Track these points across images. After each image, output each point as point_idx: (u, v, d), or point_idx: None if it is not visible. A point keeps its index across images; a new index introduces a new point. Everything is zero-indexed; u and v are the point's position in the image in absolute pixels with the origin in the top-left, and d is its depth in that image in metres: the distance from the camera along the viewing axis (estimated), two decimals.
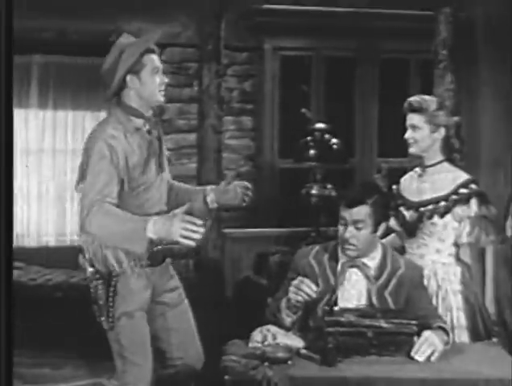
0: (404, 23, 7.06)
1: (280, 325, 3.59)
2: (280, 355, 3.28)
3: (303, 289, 3.52)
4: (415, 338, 3.42)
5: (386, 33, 7.16)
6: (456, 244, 4.09)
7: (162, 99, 3.82)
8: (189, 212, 3.56)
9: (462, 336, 3.99)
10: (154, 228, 3.47)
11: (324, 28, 7.14)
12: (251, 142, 7.33)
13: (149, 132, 3.81)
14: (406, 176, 4.32)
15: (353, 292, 3.70)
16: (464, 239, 4.05)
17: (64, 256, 7.15)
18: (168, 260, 3.94)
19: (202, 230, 3.43)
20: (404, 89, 7.21)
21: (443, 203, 4.06)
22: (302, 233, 6.57)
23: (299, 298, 3.54)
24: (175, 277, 3.99)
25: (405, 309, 3.63)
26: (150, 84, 3.76)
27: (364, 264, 3.71)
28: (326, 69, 7.48)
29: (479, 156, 7.04)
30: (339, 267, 3.73)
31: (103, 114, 7.29)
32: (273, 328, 3.51)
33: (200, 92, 6.61)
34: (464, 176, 4.12)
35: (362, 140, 7.56)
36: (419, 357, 3.37)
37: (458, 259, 4.10)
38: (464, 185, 4.07)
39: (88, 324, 6.16)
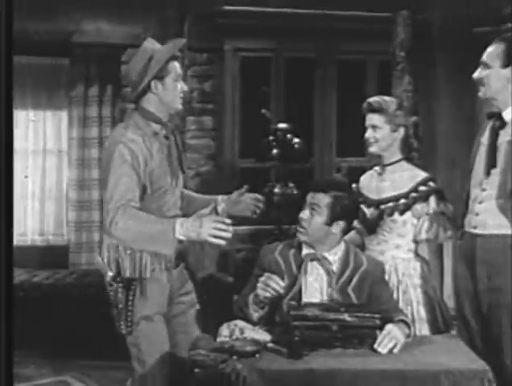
0: (363, 25, 7.12)
1: (247, 320, 3.66)
2: (248, 348, 3.34)
3: (271, 285, 3.60)
4: (378, 331, 3.50)
5: (345, 34, 7.21)
6: (415, 240, 4.19)
7: (181, 106, 3.85)
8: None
9: (422, 329, 4.09)
10: (182, 229, 3.53)
11: (283, 29, 7.19)
12: (212, 142, 7.37)
13: (166, 137, 3.84)
14: (366, 174, 4.39)
15: (316, 285, 3.78)
16: (423, 235, 4.14)
17: (26, 256, 7.13)
18: (182, 263, 4.00)
19: (231, 229, 3.52)
20: (362, 90, 7.31)
21: (403, 201, 4.15)
22: (265, 231, 6.64)
23: (267, 294, 3.62)
24: (188, 281, 4.05)
25: (368, 303, 3.72)
26: (173, 91, 3.79)
27: (324, 257, 3.79)
28: (286, 70, 7.53)
29: (436, 156, 7.17)
30: (303, 257, 3.81)
31: (64, 114, 7.29)
32: (240, 323, 3.57)
33: None
34: (422, 174, 4.21)
35: (321, 140, 7.63)
36: (382, 349, 3.46)
37: (417, 254, 4.20)
38: (423, 183, 4.17)
39: (51, 323, 6.19)
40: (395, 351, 3.46)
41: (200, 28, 6.92)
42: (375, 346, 3.47)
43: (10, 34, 2.98)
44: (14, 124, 7.13)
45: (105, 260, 3.76)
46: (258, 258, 3.90)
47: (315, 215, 3.76)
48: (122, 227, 3.59)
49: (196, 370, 3.28)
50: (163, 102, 3.80)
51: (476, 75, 3.90)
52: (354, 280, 3.78)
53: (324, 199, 3.77)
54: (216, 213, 4.00)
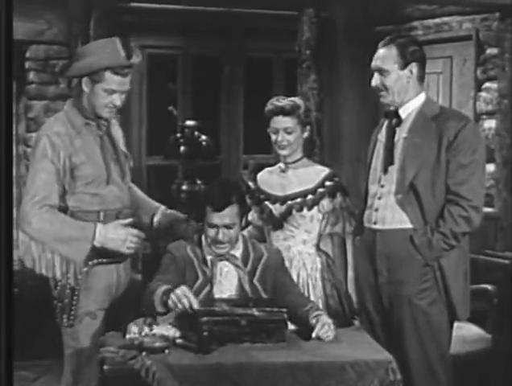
0: (269, 23, 7.17)
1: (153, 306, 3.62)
2: (157, 344, 3.35)
3: (184, 302, 3.49)
4: (286, 324, 3.58)
5: (252, 33, 7.26)
6: (321, 235, 4.25)
7: (106, 115, 3.82)
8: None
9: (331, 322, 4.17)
10: (101, 237, 3.68)
11: (190, 27, 7.20)
12: None
13: (98, 127, 3.84)
14: (263, 172, 4.42)
15: (225, 283, 3.81)
16: (330, 229, 4.21)
17: None
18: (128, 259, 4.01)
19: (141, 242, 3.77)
20: (269, 88, 7.37)
21: (310, 196, 4.21)
22: None
23: (176, 309, 3.54)
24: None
25: (275, 296, 3.80)
26: (99, 99, 3.76)
27: (231, 255, 3.84)
28: (192, 67, 7.54)
29: (340, 151, 7.27)
30: (209, 262, 3.83)
31: None
32: (149, 319, 3.58)
33: (69, 90, 6.57)
34: (326, 170, 4.28)
35: (228, 137, 7.67)
36: (325, 336, 3.58)
37: (319, 249, 4.27)
38: (329, 178, 4.23)
39: None
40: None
41: (106, 25, 6.86)
42: (315, 335, 3.56)
43: (10, 34, 2.95)
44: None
45: (21, 256, 3.76)
46: (166, 253, 3.90)
47: (232, 228, 3.78)
48: (35, 228, 3.65)
49: (106, 367, 3.28)
50: (89, 102, 3.78)
51: (374, 83, 3.96)
52: (258, 270, 3.85)
53: (232, 212, 3.75)
54: (152, 221, 4.10)
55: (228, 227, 3.75)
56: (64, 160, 3.70)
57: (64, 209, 3.75)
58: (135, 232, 3.78)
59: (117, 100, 3.79)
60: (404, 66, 3.90)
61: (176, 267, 3.80)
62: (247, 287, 3.80)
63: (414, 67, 3.91)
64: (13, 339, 3.06)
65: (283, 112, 4.17)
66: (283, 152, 4.22)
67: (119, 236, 3.73)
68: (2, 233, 2.98)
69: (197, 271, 3.80)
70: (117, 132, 4.01)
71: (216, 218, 3.73)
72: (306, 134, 4.24)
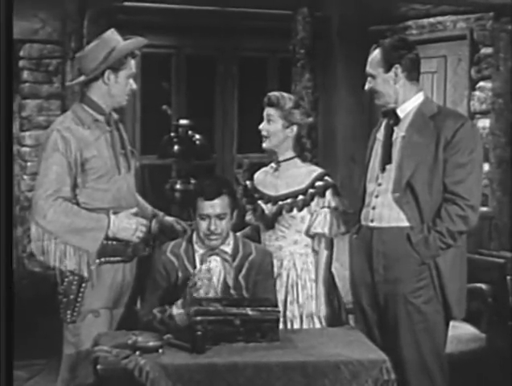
0: (263, 23, 7.18)
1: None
2: (151, 343, 3.36)
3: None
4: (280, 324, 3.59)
5: (246, 32, 7.26)
6: (308, 234, 4.23)
7: (125, 103, 3.92)
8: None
9: (323, 322, 4.17)
10: (114, 228, 3.77)
11: (184, 26, 7.20)
12: None
13: (108, 123, 3.89)
14: (260, 171, 4.42)
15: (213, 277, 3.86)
16: (316, 229, 4.19)
17: None
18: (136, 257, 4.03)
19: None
20: (263, 87, 7.36)
21: (301, 197, 4.19)
22: None
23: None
24: None
25: (254, 290, 3.84)
26: (123, 86, 3.86)
27: (221, 250, 3.89)
28: (186, 67, 7.54)
29: (335, 152, 7.28)
30: (197, 258, 3.88)
31: None
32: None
33: (62, 89, 6.57)
34: (318, 170, 4.26)
35: (222, 136, 7.67)
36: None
37: (313, 249, 4.26)
38: (320, 178, 4.21)
39: None
40: None
41: (100, 24, 6.85)
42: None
43: (10, 34, 3.01)
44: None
45: (33, 249, 3.81)
46: (151, 260, 3.95)
47: (223, 219, 3.84)
48: (50, 220, 3.71)
49: (99, 366, 3.27)
50: (111, 94, 3.87)
51: (366, 87, 4.02)
52: (244, 268, 3.89)
53: (224, 202, 3.84)
54: (150, 227, 4.13)
55: (219, 217, 3.81)
56: (74, 153, 3.77)
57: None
58: (143, 221, 3.90)
59: (133, 83, 3.91)
60: (388, 69, 3.94)
61: (160, 276, 3.88)
62: (231, 282, 3.83)
63: (398, 69, 3.93)
64: (12, 339, 3.06)
65: (269, 102, 4.21)
66: (264, 144, 4.24)
67: (131, 225, 3.83)
68: (2, 233, 2.97)
69: (178, 271, 3.85)
70: (124, 134, 4.08)
71: (208, 207, 3.82)
72: (292, 133, 4.21)
